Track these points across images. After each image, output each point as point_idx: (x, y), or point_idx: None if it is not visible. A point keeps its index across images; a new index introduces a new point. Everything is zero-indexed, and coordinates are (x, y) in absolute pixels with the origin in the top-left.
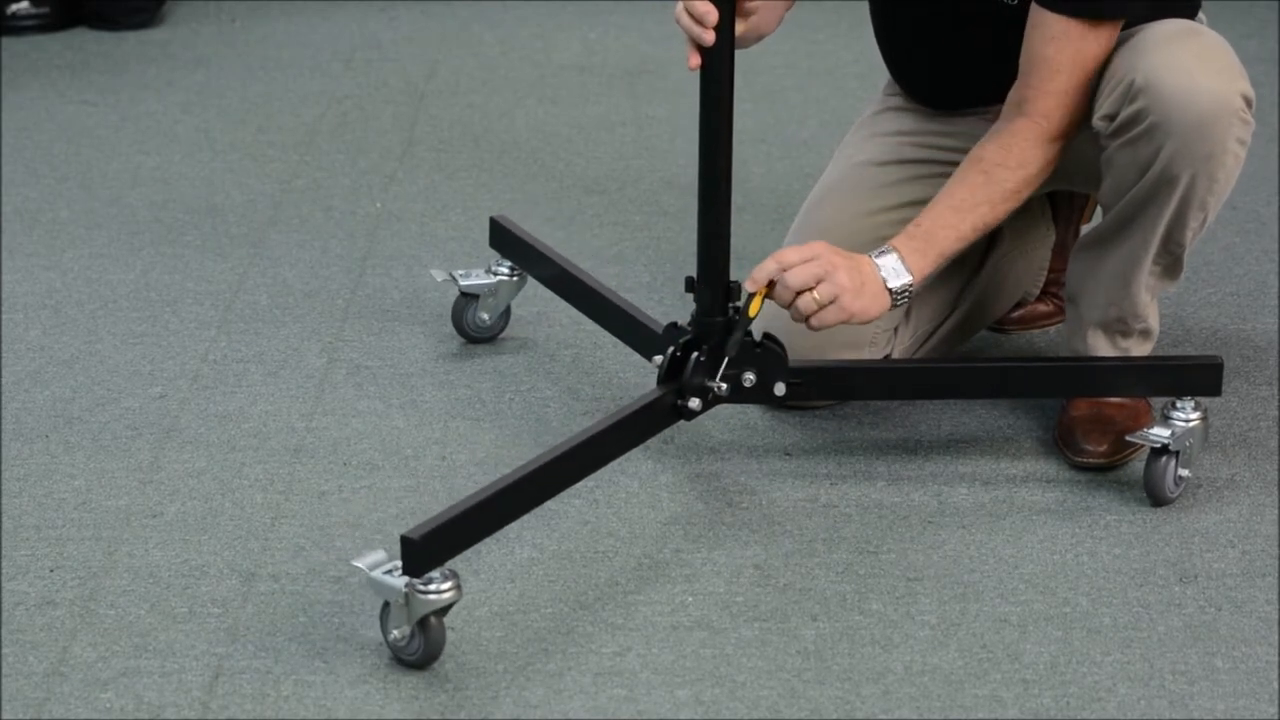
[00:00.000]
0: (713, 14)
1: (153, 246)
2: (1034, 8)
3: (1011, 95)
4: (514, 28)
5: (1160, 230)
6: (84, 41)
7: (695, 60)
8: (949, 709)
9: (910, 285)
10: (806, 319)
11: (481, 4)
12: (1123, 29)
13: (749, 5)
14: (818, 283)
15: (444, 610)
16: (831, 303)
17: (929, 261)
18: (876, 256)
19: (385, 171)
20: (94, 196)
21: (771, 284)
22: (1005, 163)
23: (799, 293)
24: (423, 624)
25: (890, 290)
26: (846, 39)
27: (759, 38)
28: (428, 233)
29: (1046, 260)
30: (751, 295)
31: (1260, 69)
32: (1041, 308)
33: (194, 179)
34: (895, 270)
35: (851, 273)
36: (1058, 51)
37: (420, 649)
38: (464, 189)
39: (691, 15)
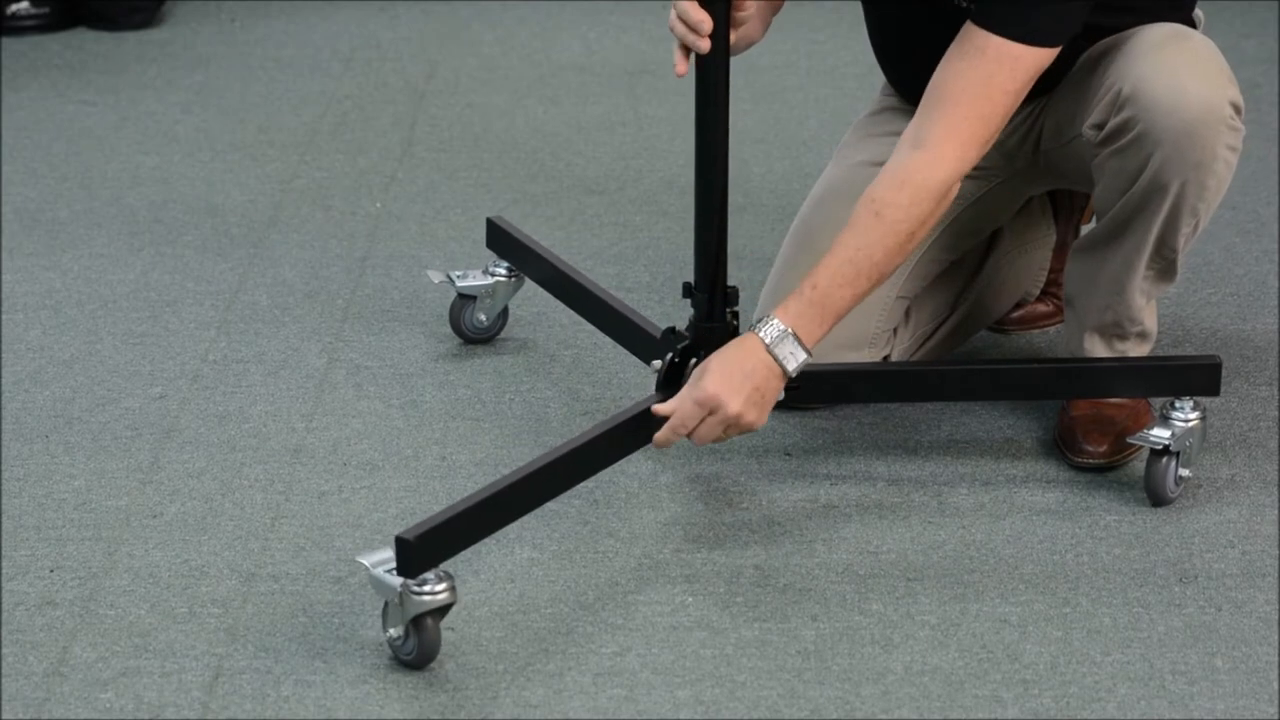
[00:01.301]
0: (708, 22)
1: (153, 247)
2: (964, 25)
3: (911, 127)
4: (514, 28)
5: (1153, 236)
6: (84, 41)
7: (683, 67)
8: (949, 709)
9: (807, 362)
10: None
11: (481, 4)
12: (1108, 35)
13: (739, 15)
14: (724, 432)
15: (438, 612)
16: (743, 433)
17: (824, 329)
18: (773, 345)
19: (385, 172)
20: (94, 196)
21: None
22: (897, 202)
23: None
24: (417, 624)
25: (787, 374)
26: (846, 39)
27: (748, 45)
28: (427, 233)
29: (1047, 260)
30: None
31: (1260, 69)
32: (1041, 308)
33: (194, 179)
34: (792, 354)
35: (750, 404)
36: (966, 70)
37: (415, 649)
38: (464, 189)
39: (686, 23)
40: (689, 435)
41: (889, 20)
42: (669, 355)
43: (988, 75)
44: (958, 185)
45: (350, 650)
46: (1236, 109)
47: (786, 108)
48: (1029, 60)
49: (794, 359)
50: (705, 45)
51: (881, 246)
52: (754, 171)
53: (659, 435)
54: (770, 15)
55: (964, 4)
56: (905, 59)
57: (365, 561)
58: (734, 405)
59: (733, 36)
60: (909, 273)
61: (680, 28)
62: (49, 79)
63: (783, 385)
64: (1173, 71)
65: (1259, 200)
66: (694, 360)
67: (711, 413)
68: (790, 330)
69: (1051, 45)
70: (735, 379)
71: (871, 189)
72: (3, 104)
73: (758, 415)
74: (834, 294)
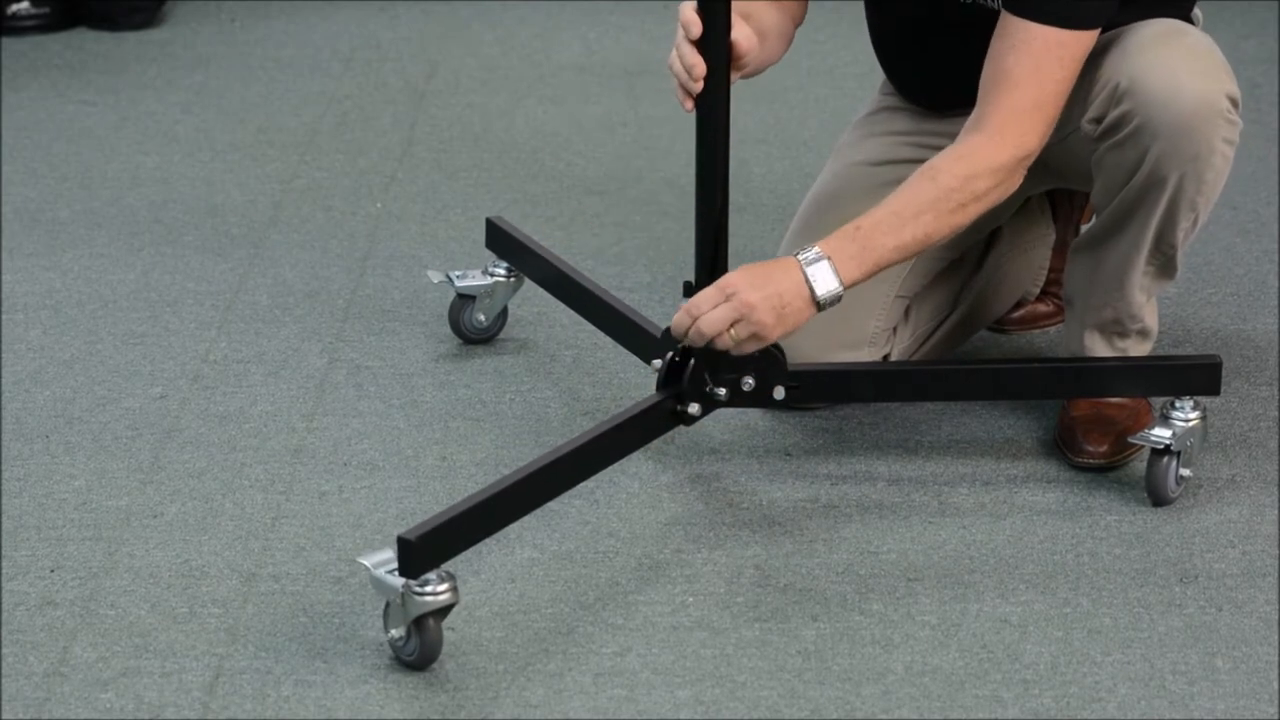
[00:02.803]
0: (700, 67)
1: (153, 247)
2: (1002, 16)
3: (971, 116)
4: (514, 28)
5: (1151, 231)
6: (84, 41)
7: (690, 104)
8: (949, 709)
9: (839, 294)
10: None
11: (481, 4)
12: (1105, 32)
13: (742, 61)
14: (734, 324)
15: (440, 612)
16: (751, 337)
17: (863, 271)
18: (807, 264)
19: (385, 172)
20: (94, 197)
21: None
22: (954, 172)
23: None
24: (419, 625)
25: (816, 300)
26: (846, 39)
27: (767, 65)
28: (428, 233)
29: (1046, 259)
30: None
31: (1260, 69)
32: (1042, 308)
33: (194, 179)
34: (825, 279)
35: (768, 307)
36: (1017, 61)
37: (417, 650)
38: (464, 189)
39: (683, 64)
40: (698, 322)
41: (889, 22)
42: (669, 354)
43: (1035, 65)
44: (1020, 172)
45: (351, 650)
46: (1234, 102)
47: (786, 108)
48: (1073, 45)
49: (825, 285)
50: (698, 89)
51: (932, 209)
52: (754, 171)
53: (675, 317)
54: (791, 33)
55: (984, 1)
56: (909, 59)
57: (366, 562)
58: (751, 296)
59: (737, 76)
60: (909, 271)
61: (678, 67)
62: (49, 79)
63: (809, 310)
64: (1169, 65)
65: (1259, 200)
66: (693, 359)
67: (728, 299)
68: (827, 257)
69: (1091, 27)
70: (759, 279)
71: (932, 159)
72: (3, 104)
73: (773, 321)
74: (876, 239)
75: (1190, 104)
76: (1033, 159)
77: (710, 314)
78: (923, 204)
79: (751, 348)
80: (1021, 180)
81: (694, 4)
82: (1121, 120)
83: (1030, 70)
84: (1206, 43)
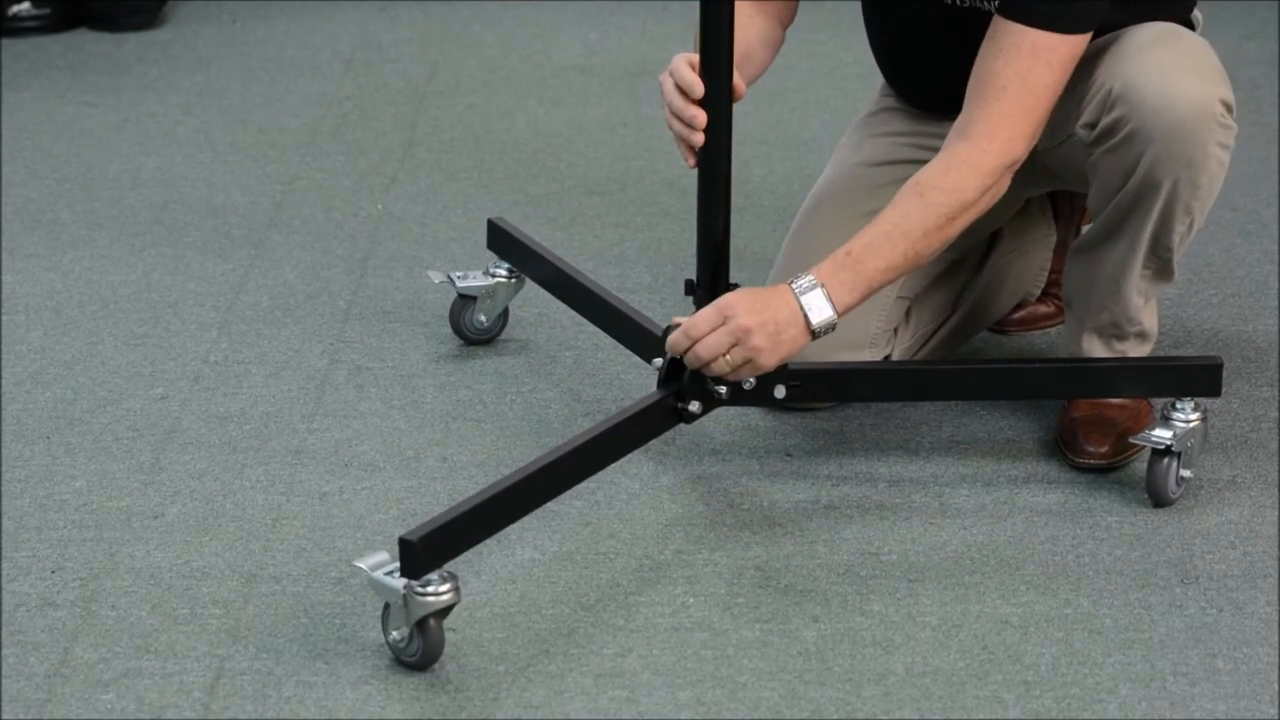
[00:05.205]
0: (701, 117)
1: (154, 248)
2: (994, 19)
3: (957, 121)
4: (514, 28)
5: (1147, 235)
6: (85, 42)
7: (693, 160)
8: (950, 710)
9: (834, 321)
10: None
11: (481, 4)
12: (1102, 34)
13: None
14: (730, 349)
15: (443, 612)
16: (746, 363)
17: (856, 296)
18: (802, 292)
19: (386, 173)
20: (95, 197)
21: None
22: (940, 186)
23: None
24: (421, 626)
25: (811, 328)
26: (847, 39)
27: (760, 74)
28: (429, 234)
29: (1047, 260)
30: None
31: (1260, 70)
32: (1043, 309)
33: (195, 180)
34: (819, 307)
35: (764, 332)
36: (1005, 65)
37: (419, 650)
38: (465, 190)
39: (681, 120)
40: (696, 345)
41: (887, 23)
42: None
43: (1026, 70)
44: (1007, 178)
45: (351, 651)
46: (1228, 107)
47: (787, 109)
48: (1063, 49)
49: (819, 313)
50: (700, 139)
51: (920, 226)
52: (754, 173)
53: (672, 337)
54: (780, 37)
55: (980, 4)
56: (906, 61)
57: (363, 565)
58: (749, 320)
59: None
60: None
61: (678, 125)
62: (50, 80)
63: (804, 338)
64: (1162, 70)
65: (1259, 201)
66: None
67: (724, 322)
68: (820, 284)
69: (1082, 31)
70: (757, 306)
71: (918, 174)
72: (3, 105)
73: (769, 347)
74: (868, 262)
75: (1184, 109)
76: (1020, 163)
77: (709, 338)
78: (912, 222)
79: (747, 373)
80: (1008, 185)
81: (683, 63)
82: (1115, 125)
83: (1018, 75)
84: (1201, 46)
